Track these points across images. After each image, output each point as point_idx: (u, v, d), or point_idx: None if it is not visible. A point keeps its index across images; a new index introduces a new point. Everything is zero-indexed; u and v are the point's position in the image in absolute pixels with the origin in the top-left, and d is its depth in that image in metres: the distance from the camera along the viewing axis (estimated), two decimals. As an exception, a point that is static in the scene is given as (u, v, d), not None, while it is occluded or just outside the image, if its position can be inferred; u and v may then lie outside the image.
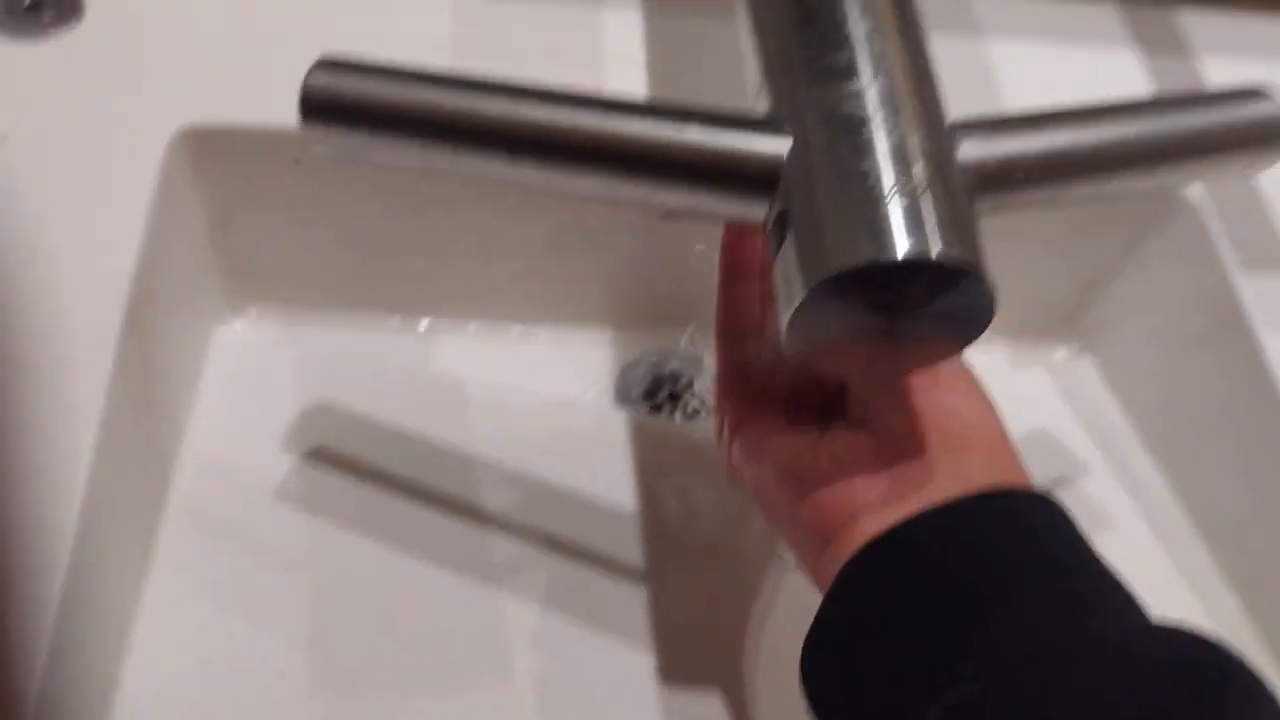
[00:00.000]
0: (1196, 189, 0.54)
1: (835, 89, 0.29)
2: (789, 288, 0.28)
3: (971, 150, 0.30)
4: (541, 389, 0.55)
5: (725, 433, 0.39)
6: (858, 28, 0.31)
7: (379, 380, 0.53)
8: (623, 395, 0.56)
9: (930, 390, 0.34)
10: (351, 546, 0.47)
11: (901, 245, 0.26)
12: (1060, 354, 0.62)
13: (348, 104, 0.32)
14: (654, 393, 0.56)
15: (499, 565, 0.48)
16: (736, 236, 0.40)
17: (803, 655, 0.33)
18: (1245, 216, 0.54)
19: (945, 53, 0.54)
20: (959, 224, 0.28)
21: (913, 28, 0.32)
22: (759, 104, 0.32)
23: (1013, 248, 0.56)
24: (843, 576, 0.33)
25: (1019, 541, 0.32)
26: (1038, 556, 0.32)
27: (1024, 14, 0.59)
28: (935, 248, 0.27)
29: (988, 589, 0.30)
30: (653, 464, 0.53)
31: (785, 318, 0.28)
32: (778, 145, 0.29)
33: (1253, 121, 0.36)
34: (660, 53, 0.53)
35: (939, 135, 0.29)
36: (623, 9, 0.54)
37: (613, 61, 0.52)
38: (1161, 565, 0.52)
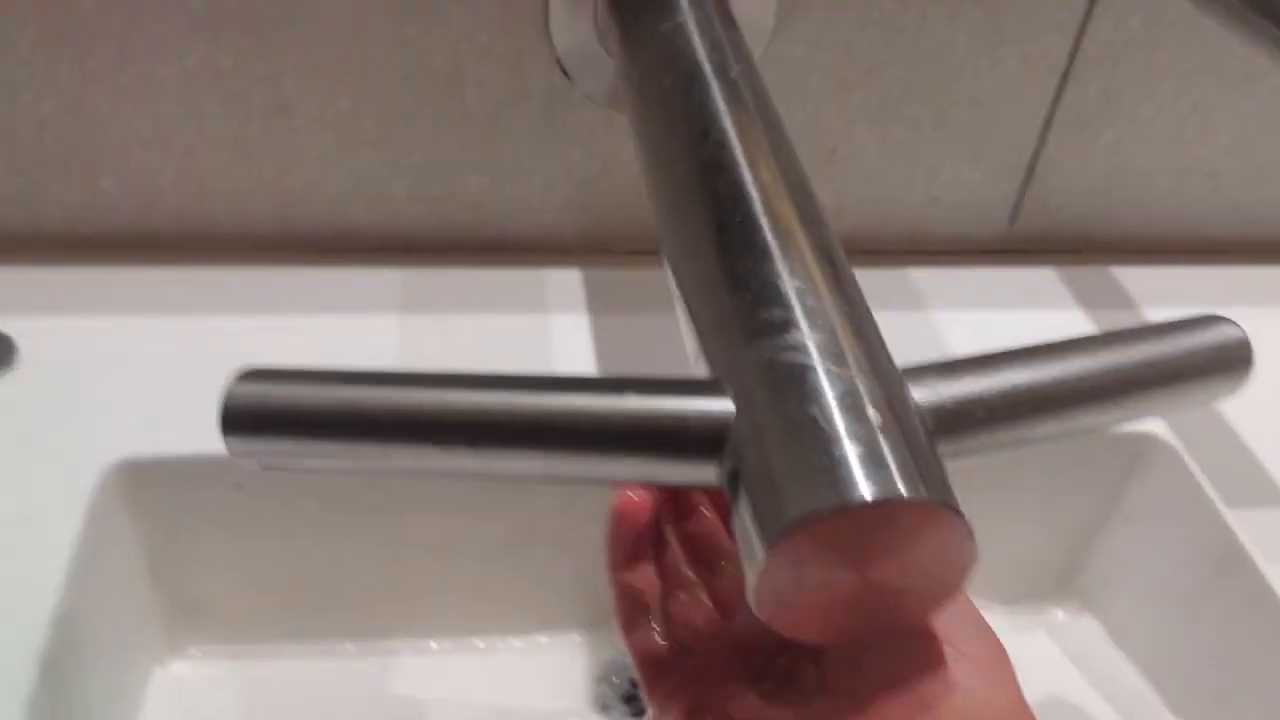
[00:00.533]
0: (1166, 430, 0.53)
1: (774, 342, 0.28)
2: (750, 547, 0.26)
3: (925, 394, 0.28)
4: (513, 704, 0.50)
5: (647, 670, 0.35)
6: (790, 285, 0.30)
7: (336, 713, 0.48)
8: (601, 702, 0.52)
9: (936, 662, 0.29)
10: None
11: (865, 488, 0.24)
12: (1059, 615, 0.58)
13: (271, 413, 0.30)
14: (635, 696, 0.52)
15: None
16: (617, 524, 0.36)
17: None
18: (1220, 450, 0.52)
19: (885, 322, 0.56)
20: (923, 462, 0.26)
21: (846, 284, 0.31)
22: (697, 370, 0.31)
23: (992, 510, 0.55)
24: None
25: None
26: None
27: (962, 284, 0.60)
28: (902, 487, 0.25)
29: None
30: None
31: (750, 579, 0.25)
32: (721, 405, 0.28)
33: (1215, 346, 0.35)
34: (608, 348, 0.53)
35: (889, 380, 0.28)
36: (569, 312, 0.55)
37: (561, 359, 0.52)
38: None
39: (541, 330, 0.54)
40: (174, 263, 0.54)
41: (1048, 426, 0.31)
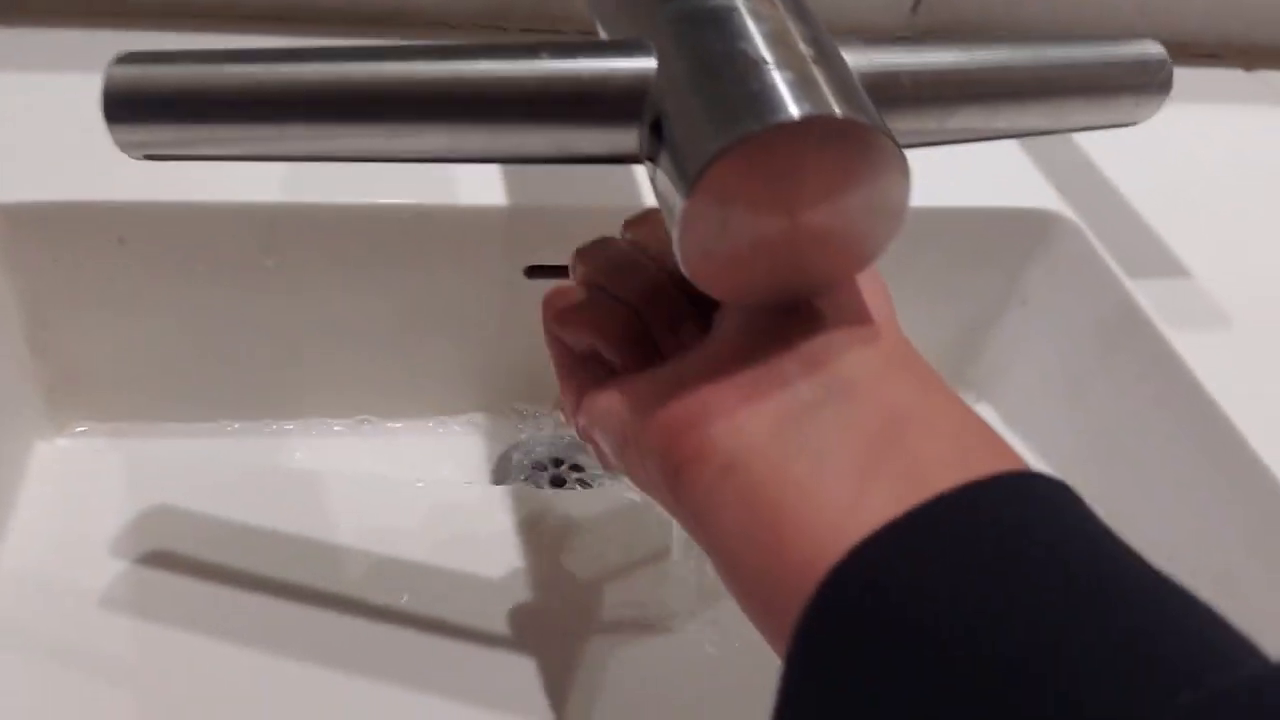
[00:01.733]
0: (1066, 207, 0.53)
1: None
2: (672, 195, 0.25)
3: (855, 59, 0.27)
4: (408, 479, 0.49)
5: (570, 412, 0.33)
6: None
7: (225, 488, 0.46)
8: (499, 478, 0.51)
9: (818, 319, 0.27)
10: (189, 651, 0.40)
11: (795, 107, 0.23)
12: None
13: (155, 94, 0.28)
14: (537, 481, 0.52)
15: (373, 656, 0.41)
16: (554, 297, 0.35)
17: None
18: (1120, 225, 0.53)
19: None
20: (858, 95, 0.25)
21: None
22: (607, 30, 0.30)
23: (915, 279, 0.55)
24: (803, 640, 0.23)
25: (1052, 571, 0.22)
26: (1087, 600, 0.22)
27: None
28: (836, 107, 0.23)
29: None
30: (538, 542, 0.48)
31: (675, 231, 0.24)
32: (642, 62, 0.26)
33: (1137, 60, 0.35)
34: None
35: (819, 28, 0.26)
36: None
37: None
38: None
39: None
40: (46, 25, 0.50)
41: (971, 116, 0.31)
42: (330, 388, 0.51)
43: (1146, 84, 0.35)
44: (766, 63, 0.24)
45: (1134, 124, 0.36)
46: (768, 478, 0.25)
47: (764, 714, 0.24)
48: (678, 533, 0.43)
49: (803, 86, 0.23)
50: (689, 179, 0.24)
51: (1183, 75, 0.63)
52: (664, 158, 0.25)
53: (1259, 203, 0.57)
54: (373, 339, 0.50)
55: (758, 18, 0.26)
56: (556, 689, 0.42)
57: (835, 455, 0.25)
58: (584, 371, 0.33)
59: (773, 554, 0.25)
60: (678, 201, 0.24)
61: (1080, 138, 0.58)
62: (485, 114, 0.27)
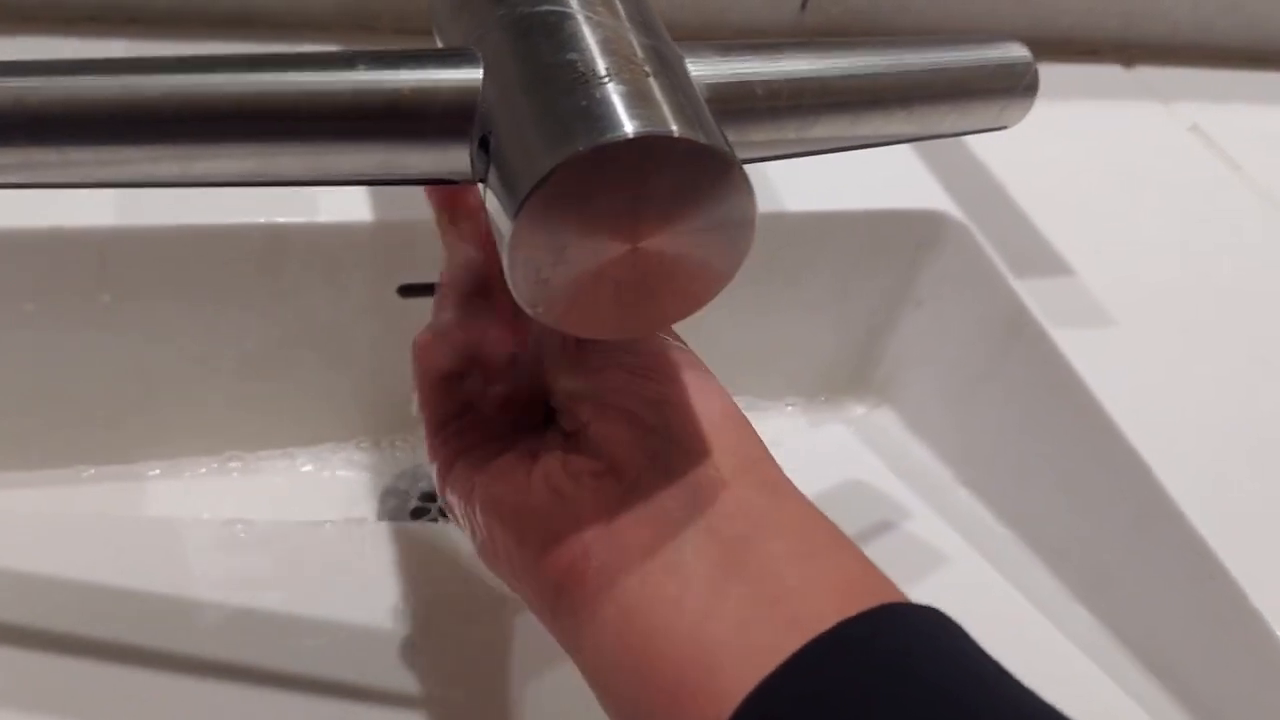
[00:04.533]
0: (954, 208, 0.52)
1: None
2: (501, 219, 0.22)
3: (703, 69, 0.25)
4: (287, 518, 0.46)
5: (437, 477, 0.32)
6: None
7: (71, 542, 0.43)
8: (389, 514, 0.48)
9: (638, 381, 0.28)
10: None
11: (629, 124, 0.21)
12: (858, 410, 0.58)
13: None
14: (423, 509, 0.49)
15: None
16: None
17: None
18: (1007, 226, 0.52)
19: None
20: (700, 112, 0.23)
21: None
22: (444, 37, 0.27)
23: (784, 304, 0.54)
24: None
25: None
26: None
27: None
28: (673, 124, 0.21)
29: None
30: (430, 577, 0.45)
31: (505, 258, 0.22)
32: (469, 73, 0.24)
33: (1002, 64, 0.34)
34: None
35: (662, 39, 0.24)
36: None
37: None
38: (1006, 592, 0.47)
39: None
40: None
41: (835, 125, 0.29)
42: (193, 425, 0.48)
43: (1012, 88, 0.34)
44: (600, 76, 0.22)
45: (1003, 128, 0.35)
46: (642, 601, 0.26)
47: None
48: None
49: (638, 101, 0.21)
50: (516, 201, 0.21)
51: (1063, 73, 0.64)
52: (493, 177, 0.23)
53: (1138, 201, 0.57)
54: (236, 371, 0.47)
55: (594, 26, 0.23)
56: None
57: (697, 569, 0.26)
58: (456, 439, 0.31)
59: (650, 685, 0.25)
60: (506, 225, 0.22)
61: (976, 149, 0.57)
62: (294, 132, 0.24)
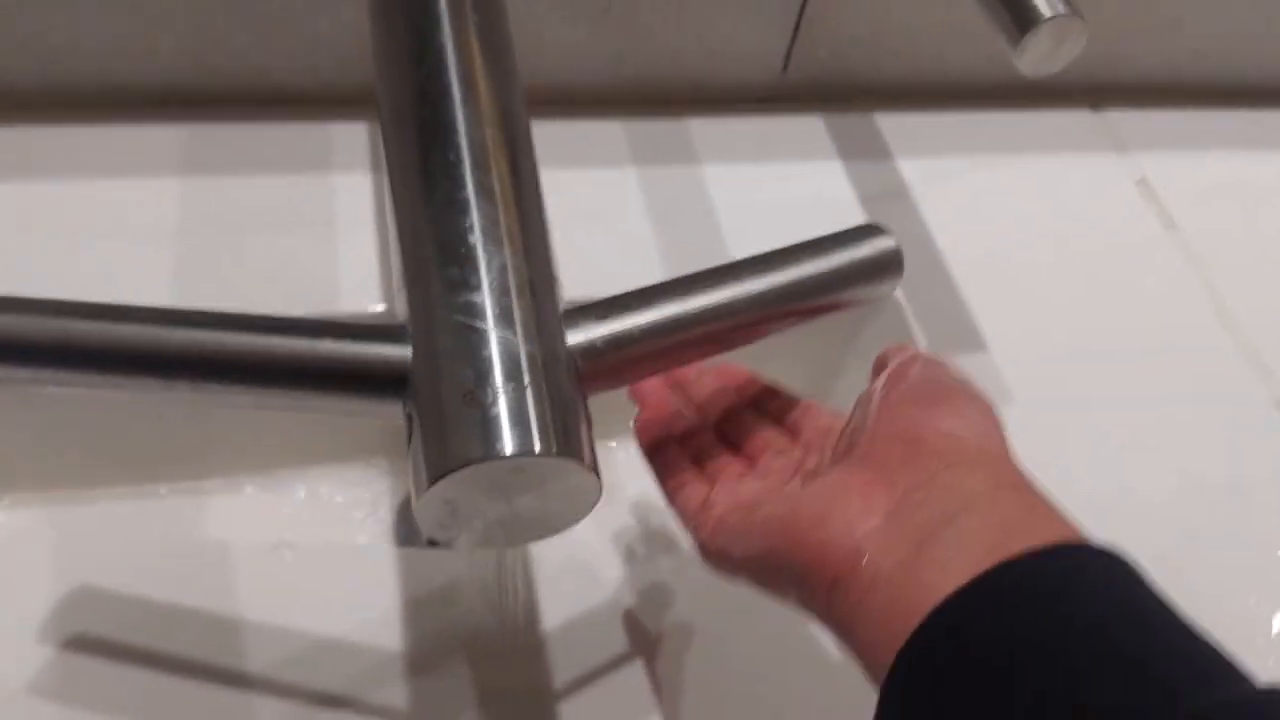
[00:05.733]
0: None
1: (454, 301, 0.33)
2: (417, 481, 0.31)
3: (579, 336, 0.34)
4: (313, 537, 0.56)
5: (694, 517, 0.40)
6: (479, 240, 0.34)
7: (143, 556, 0.53)
8: (405, 526, 0.58)
9: (925, 413, 0.35)
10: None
11: (508, 443, 0.30)
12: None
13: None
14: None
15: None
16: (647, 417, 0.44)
17: None
18: (937, 305, 0.59)
19: (658, 176, 0.60)
20: (562, 418, 0.31)
21: (533, 232, 0.35)
22: (400, 303, 0.35)
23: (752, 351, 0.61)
24: (905, 668, 0.30)
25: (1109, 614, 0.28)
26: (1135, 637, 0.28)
27: (736, 134, 0.64)
28: (538, 444, 0.30)
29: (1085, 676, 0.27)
30: (436, 600, 0.53)
31: (415, 505, 0.31)
32: (401, 351, 0.33)
33: (869, 258, 0.41)
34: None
35: (549, 335, 0.33)
36: (352, 171, 0.57)
37: (345, 225, 0.55)
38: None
39: (325, 192, 0.56)
40: None
41: (700, 347, 0.37)
42: (238, 445, 0.57)
43: (881, 275, 0.41)
44: (494, 397, 0.30)
45: (875, 301, 0.42)
46: (906, 589, 0.31)
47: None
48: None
49: (516, 423, 0.30)
50: (420, 485, 0.30)
51: (1026, 121, 0.69)
52: (415, 446, 0.32)
53: (1068, 267, 0.62)
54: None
55: (498, 341, 0.32)
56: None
57: (956, 565, 0.30)
58: (699, 479, 0.41)
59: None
60: (414, 492, 0.31)
61: (921, 202, 0.63)
62: (277, 383, 0.33)
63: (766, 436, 0.43)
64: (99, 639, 0.50)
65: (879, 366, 0.40)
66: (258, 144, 0.57)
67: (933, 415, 0.35)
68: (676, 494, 0.41)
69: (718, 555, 0.38)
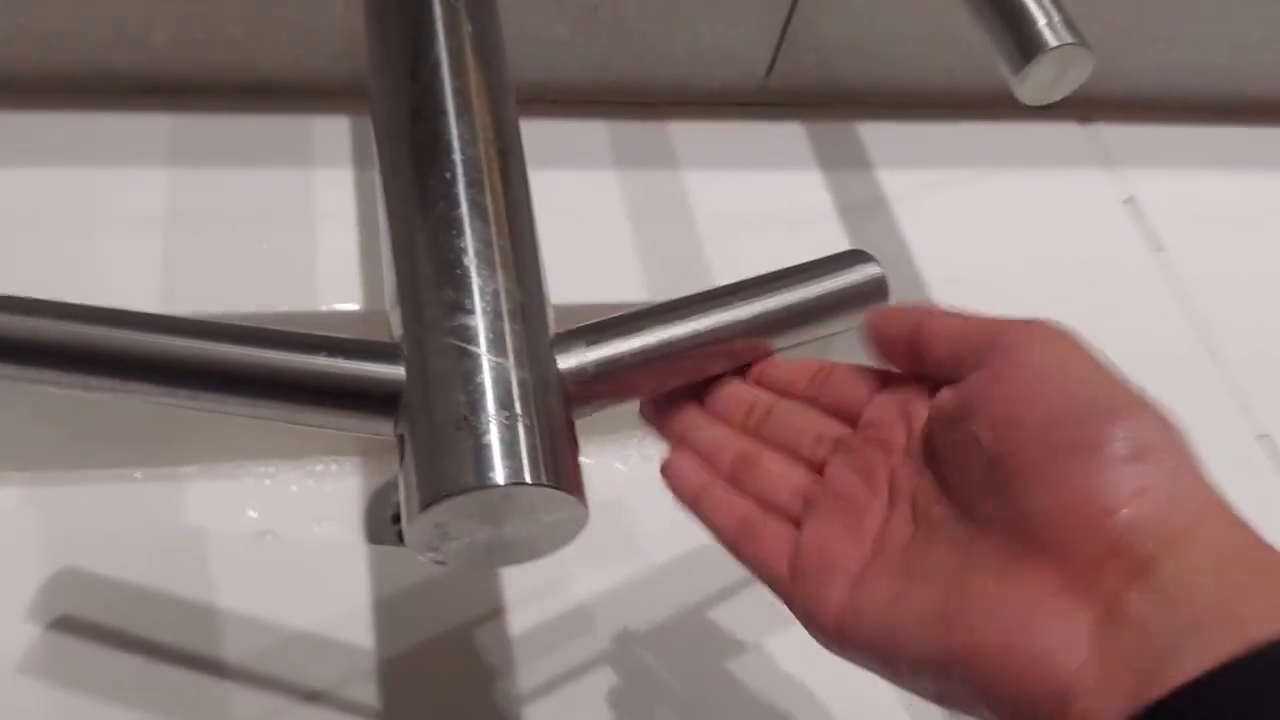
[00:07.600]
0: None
1: (448, 324, 0.33)
2: (409, 503, 0.32)
3: (570, 361, 0.34)
4: (287, 529, 0.56)
5: (792, 587, 0.32)
6: (472, 263, 0.34)
7: (120, 540, 0.53)
8: (374, 523, 0.58)
9: (1100, 463, 0.26)
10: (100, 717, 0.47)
11: (499, 473, 0.30)
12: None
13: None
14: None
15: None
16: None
17: None
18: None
19: (639, 179, 0.60)
20: (552, 447, 0.32)
21: (525, 255, 0.36)
22: (393, 320, 0.36)
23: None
24: None
25: None
26: None
27: (718, 140, 0.64)
28: (528, 474, 0.31)
29: None
30: (404, 598, 0.54)
31: (406, 527, 0.31)
32: (394, 371, 0.33)
33: (855, 285, 0.41)
34: (371, 208, 0.56)
35: (540, 363, 0.33)
36: (334, 166, 0.57)
37: (326, 220, 0.55)
38: None
39: (305, 186, 0.56)
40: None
41: (686, 370, 0.37)
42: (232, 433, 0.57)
43: (866, 303, 0.41)
44: (486, 426, 0.31)
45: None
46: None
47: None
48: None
49: (506, 453, 0.30)
50: (412, 510, 0.31)
51: (1015, 134, 0.69)
52: (407, 468, 0.32)
53: (1051, 290, 0.62)
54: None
55: (491, 367, 0.32)
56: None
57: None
58: (760, 514, 0.34)
59: None
60: (406, 517, 0.31)
61: (902, 214, 0.63)
62: (274, 397, 0.33)
63: (798, 422, 0.36)
64: (77, 620, 0.50)
65: (883, 335, 0.34)
66: (242, 135, 0.57)
67: (1111, 466, 0.26)
68: (744, 545, 0.34)
69: (855, 649, 0.30)
